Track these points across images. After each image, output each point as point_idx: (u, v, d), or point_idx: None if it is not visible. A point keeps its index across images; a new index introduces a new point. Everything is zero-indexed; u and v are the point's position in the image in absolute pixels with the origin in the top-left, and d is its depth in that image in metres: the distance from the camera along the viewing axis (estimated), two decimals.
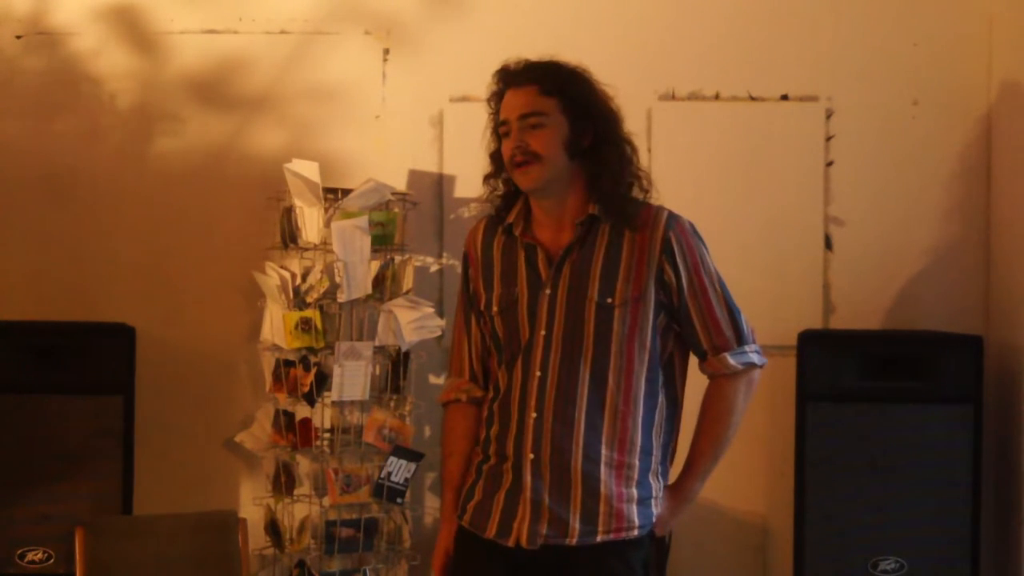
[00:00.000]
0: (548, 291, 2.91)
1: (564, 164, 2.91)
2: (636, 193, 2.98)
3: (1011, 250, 4.36)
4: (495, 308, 2.96)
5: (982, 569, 4.14)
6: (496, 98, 2.99)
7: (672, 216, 2.94)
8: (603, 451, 2.88)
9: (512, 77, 2.96)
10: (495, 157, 3.01)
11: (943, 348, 4.18)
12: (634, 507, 2.90)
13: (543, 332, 2.90)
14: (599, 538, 2.87)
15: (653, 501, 2.94)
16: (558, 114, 2.91)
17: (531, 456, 2.88)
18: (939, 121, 4.52)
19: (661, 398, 2.95)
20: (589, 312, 2.88)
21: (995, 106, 4.47)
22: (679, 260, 2.91)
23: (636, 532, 2.90)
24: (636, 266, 2.90)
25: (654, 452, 2.94)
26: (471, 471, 3.01)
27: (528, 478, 2.88)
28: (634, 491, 2.90)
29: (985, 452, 4.18)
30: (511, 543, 2.88)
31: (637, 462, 2.91)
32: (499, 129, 2.96)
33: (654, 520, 2.93)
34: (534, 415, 2.88)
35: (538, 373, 2.89)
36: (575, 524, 2.86)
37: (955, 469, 4.08)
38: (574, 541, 2.86)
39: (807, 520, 4.12)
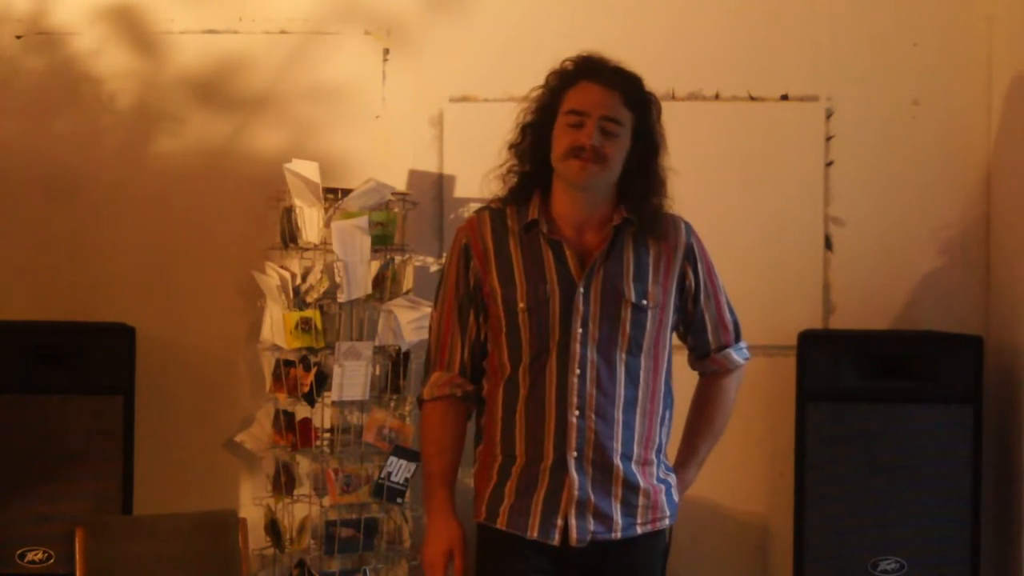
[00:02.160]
0: (582, 290, 2.92)
1: (615, 176, 2.95)
2: None
3: (1011, 250, 4.36)
4: (522, 304, 2.94)
5: (982, 569, 4.14)
6: (562, 80, 2.97)
7: (687, 224, 3.05)
8: (635, 449, 2.95)
9: (600, 73, 2.95)
10: (531, 131, 2.99)
11: (943, 348, 4.18)
12: (663, 497, 2.99)
13: (580, 330, 2.91)
14: (639, 530, 2.95)
15: (674, 490, 3.03)
16: (628, 129, 2.94)
17: (574, 454, 2.90)
18: (939, 121, 4.52)
19: (668, 396, 3.04)
20: (625, 313, 2.92)
21: (995, 106, 4.47)
22: (699, 266, 3.03)
23: (668, 521, 3.00)
24: (664, 271, 2.98)
25: (663, 449, 3.04)
26: (491, 473, 2.98)
27: (574, 476, 2.90)
28: (659, 484, 2.99)
29: (985, 452, 4.17)
30: (556, 542, 2.90)
31: (654, 458, 3.00)
32: (568, 116, 2.92)
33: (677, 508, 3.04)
34: (576, 413, 2.89)
35: (578, 371, 2.90)
36: (618, 519, 2.93)
37: (955, 469, 4.08)
38: (618, 535, 2.93)
39: (807, 520, 4.12)
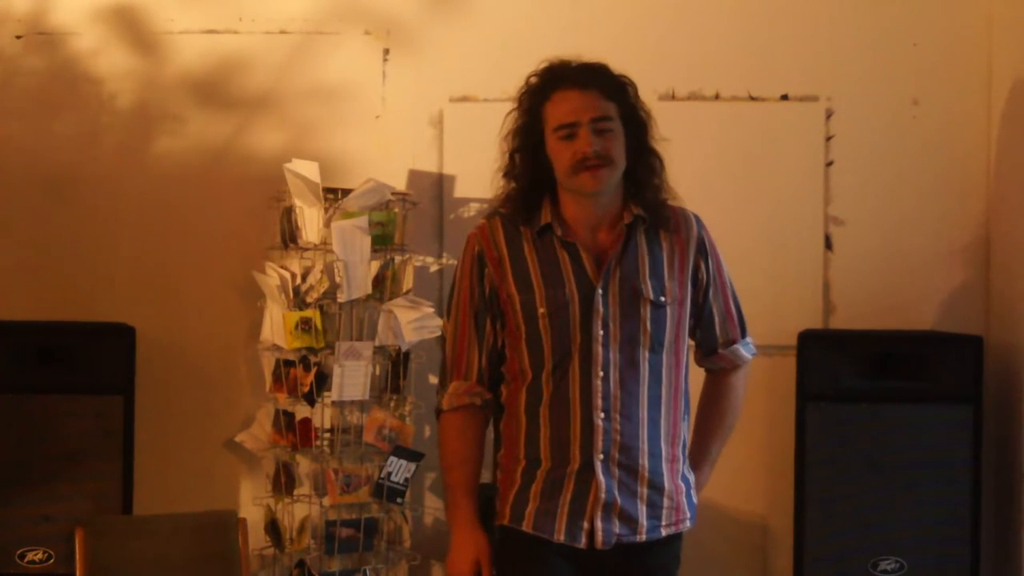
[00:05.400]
0: (600, 291, 2.91)
1: (623, 169, 2.94)
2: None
3: (1011, 250, 4.36)
4: (542, 309, 2.92)
5: (982, 569, 4.14)
6: (535, 97, 2.94)
7: (697, 216, 3.03)
8: (663, 447, 2.94)
9: (570, 78, 2.91)
10: (521, 155, 2.96)
11: (943, 348, 4.19)
12: (684, 499, 2.99)
13: (601, 332, 2.89)
14: (663, 532, 2.94)
15: (693, 491, 3.03)
16: (617, 119, 2.92)
17: (601, 457, 2.88)
18: (939, 121, 4.52)
19: (687, 391, 3.02)
20: (644, 311, 2.91)
21: (995, 106, 4.47)
22: (710, 259, 3.01)
23: (688, 523, 3.00)
24: (679, 265, 2.96)
25: (686, 445, 3.02)
26: (514, 477, 2.97)
27: (601, 479, 2.88)
28: (682, 483, 2.98)
29: (985, 452, 4.18)
30: (584, 545, 2.89)
31: (680, 455, 2.99)
32: (559, 131, 2.89)
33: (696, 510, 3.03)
34: (602, 415, 2.88)
35: (601, 373, 2.89)
36: (643, 521, 2.92)
37: (955, 469, 4.09)
38: (643, 537, 2.92)
39: (807, 520, 4.12)
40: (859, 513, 4.10)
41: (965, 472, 4.09)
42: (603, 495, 2.88)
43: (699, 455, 3.08)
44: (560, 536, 2.90)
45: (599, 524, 2.89)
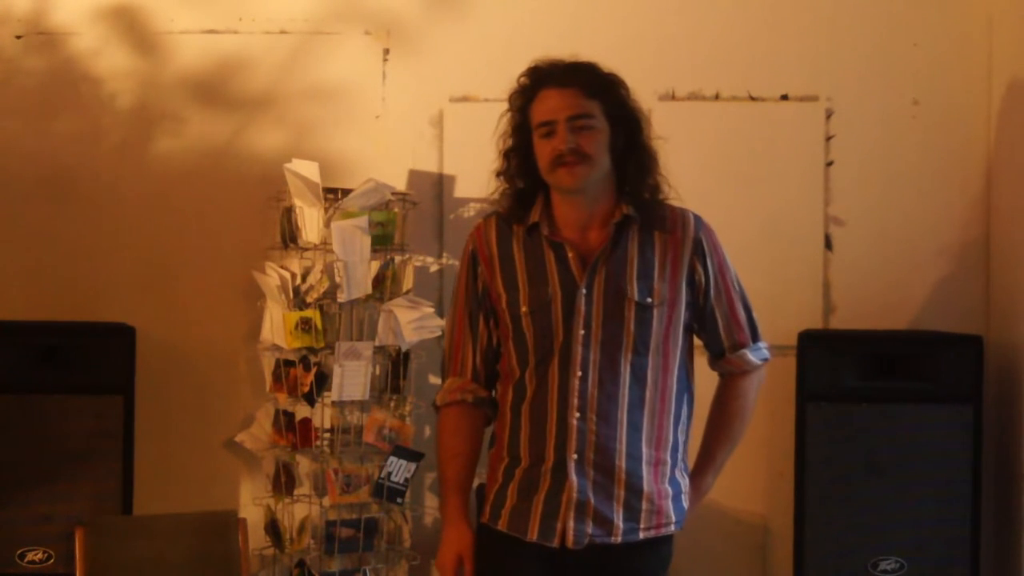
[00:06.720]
0: (584, 291, 2.91)
1: (606, 166, 2.94)
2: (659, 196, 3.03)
3: (1011, 250, 4.36)
4: (524, 308, 2.94)
5: (982, 569, 4.14)
6: (523, 97, 2.97)
7: (698, 217, 3.01)
8: (644, 449, 2.92)
9: (552, 77, 2.94)
10: (514, 154, 2.99)
11: (943, 348, 4.18)
12: (670, 503, 2.97)
13: (582, 331, 2.90)
14: (641, 535, 2.93)
15: (683, 496, 3.00)
16: (601, 117, 2.93)
17: (575, 456, 2.89)
18: (939, 121, 4.52)
19: (685, 395, 3.01)
20: (629, 312, 2.90)
21: (995, 106, 4.47)
22: (709, 261, 2.99)
23: (672, 527, 2.97)
24: (671, 266, 2.95)
25: (680, 448, 3.00)
26: (496, 476, 2.99)
27: (573, 479, 2.89)
28: (667, 487, 2.96)
29: (985, 452, 4.18)
30: (556, 544, 2.90)
31: (669, 458, 2.97)
32: (540, 129, 2.92)
33: (685, 515, 3.01)
34: (577, 415, 2.89)
35: (579, 373, 2.89)
36: (619, 522, 2.91)
37: (955, 469, 4.09)
38: (619, 539, 2.91)
39: (807, 520, 4.12)
40: (859, 513, 4.10)
41: (965, 472, 4.09)
42: (575, 495, 2.88)
43: (704, 459, 3.08)
44: (533, 535, 2.91)
45: (571, 524, 2.89)
